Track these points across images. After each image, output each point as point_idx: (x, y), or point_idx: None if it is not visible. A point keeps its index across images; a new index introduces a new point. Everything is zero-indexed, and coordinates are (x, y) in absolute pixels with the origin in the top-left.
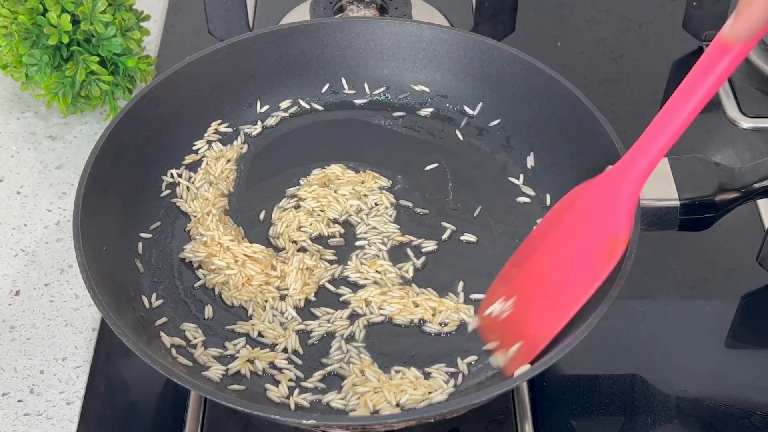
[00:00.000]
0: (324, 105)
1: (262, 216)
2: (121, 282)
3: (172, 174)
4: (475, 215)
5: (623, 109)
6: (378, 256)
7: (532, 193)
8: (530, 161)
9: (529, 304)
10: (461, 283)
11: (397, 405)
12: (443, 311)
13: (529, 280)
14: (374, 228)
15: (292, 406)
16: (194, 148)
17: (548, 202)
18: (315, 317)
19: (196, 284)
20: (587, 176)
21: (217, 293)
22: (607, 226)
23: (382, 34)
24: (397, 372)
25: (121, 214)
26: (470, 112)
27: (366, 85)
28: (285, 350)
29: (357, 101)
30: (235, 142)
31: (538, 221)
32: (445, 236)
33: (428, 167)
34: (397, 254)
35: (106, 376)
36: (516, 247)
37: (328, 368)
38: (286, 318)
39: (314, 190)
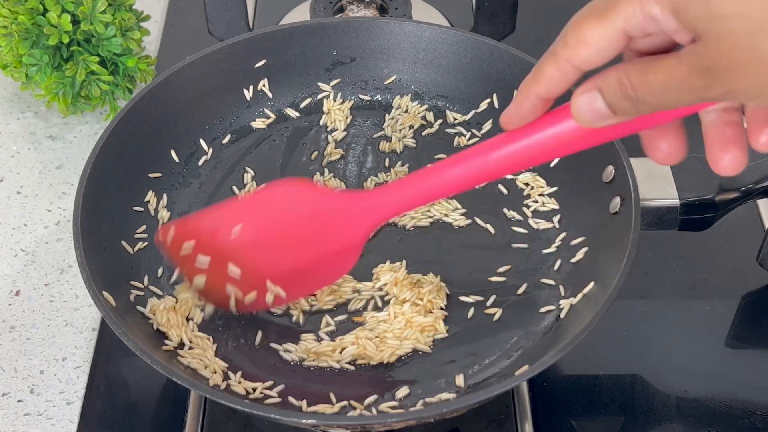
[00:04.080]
0: (323, 105)
1: None
2: (122, 282)
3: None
4: (475, 215)
5: None
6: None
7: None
8: None
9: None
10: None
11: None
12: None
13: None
14: None
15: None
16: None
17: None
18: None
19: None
20: (587, 176)
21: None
22: (347, 244)
23: (382, 34)
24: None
25: (121, 214)
26: (470, 112)
27: (366, 85)
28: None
29: (357, 101)
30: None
31: (538, 221)
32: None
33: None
34: (396, 254)
35: (106, 376)
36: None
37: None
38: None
39: None
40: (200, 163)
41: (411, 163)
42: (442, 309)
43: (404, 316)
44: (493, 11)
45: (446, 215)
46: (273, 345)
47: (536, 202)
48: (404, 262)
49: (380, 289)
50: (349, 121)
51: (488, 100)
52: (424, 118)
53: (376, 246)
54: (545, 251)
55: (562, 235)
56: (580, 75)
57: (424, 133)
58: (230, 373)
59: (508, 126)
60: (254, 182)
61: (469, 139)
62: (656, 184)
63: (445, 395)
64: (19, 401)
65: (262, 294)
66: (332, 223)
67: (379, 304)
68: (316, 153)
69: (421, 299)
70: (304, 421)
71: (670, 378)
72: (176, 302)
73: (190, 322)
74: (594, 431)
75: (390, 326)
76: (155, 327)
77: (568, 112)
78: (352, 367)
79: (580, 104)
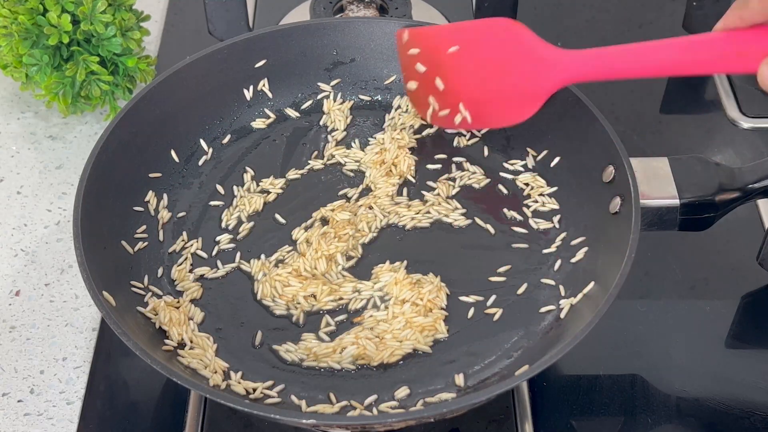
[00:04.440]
0: (323, 105)
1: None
2: (122, 282)
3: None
4: (475, 215)
5: (623, 109)
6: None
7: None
8: (530, 161)
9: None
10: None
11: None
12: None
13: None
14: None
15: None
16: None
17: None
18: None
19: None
20: (587, 176)
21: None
22: (534, 91)
23: (382, 34)
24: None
25: (121, 213)
26: None
27: (366, 86)
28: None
29: (357, 101)
30: (185, 294)
31: (538, 221)
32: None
33: (429, 166)
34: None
35: (106, 376)
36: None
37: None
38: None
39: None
40: (200, 163)
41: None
42: (442, 309)
43: (404, 316)
44: (493, 11)
45: (446, 215)
46: (273, 345)
47: (536, 202)
48: (404, 262)
49: (380, 289)
50: (349, 121)
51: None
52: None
53: (376, 246)
54: (545, 251)
55: (562, 235)
56: None
57: (424, 133)
58: (230, 373)
59: (716, 28)
60: (254, 182)
61: (469, 139)
62: (656, 184)
63: (445, 395)
64: (19, 401)
65: (453, 113)
66: (529, 68)
67: (379, 304)
68: (316, 153)
69: (421, 299)
70: (304, 421)
71: (670, 378)
72: (178, 302)
73: (191, 321)
74: (594, 431)
75: (390, 326)
76: (157, 325)
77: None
78: (352, 367)
79: (764, 72)
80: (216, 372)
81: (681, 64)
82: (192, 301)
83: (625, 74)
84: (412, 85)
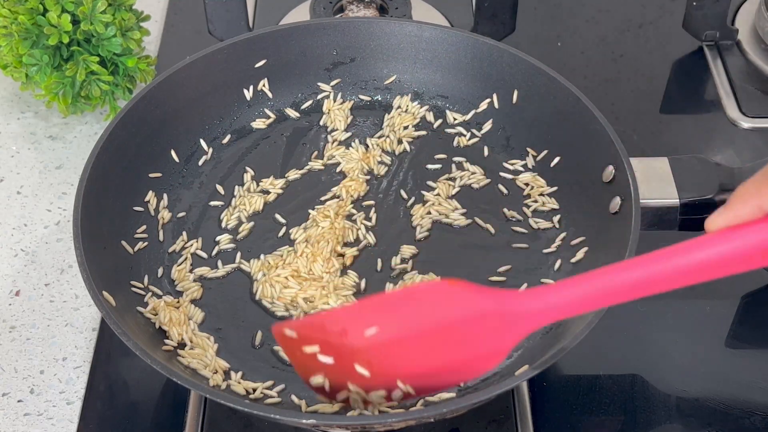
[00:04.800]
0: (323, 105)
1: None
2: (122, 282)
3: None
4: (475, 215)
5: (623, 109)
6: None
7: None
8: (530, 161)
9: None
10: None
11: None
12: None
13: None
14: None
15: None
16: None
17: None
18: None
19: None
20: (587, 176)
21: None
22: (493, 348)
23: (382, 34)
24: None
25: (121, 213)
26: (470, 112)
27: (366, 86)
28: None
29: (357, 101)
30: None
31: (538, 221)
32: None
33: (429, 166)
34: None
35: (106, 376)
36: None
37: None
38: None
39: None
40: (200, 163)
41: (411, 162)
42: None
43: None
44: (493, 11)
45: (446, 215)
46: (273, 345)
47: (536, 202)
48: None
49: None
50: (349, 121)
51: (488, 100)
52: (423, 118)
53: (376, 246)
54: (545, 251)
55: (562, 235)
56: None
57: (423, 133)
58: (230, 373)
59: (714, 227)
60: (254, 182)
61: (469, 139)
62: (656, 184)
63: (445, 395)
64: (19, 401)
65: (389, 391)
66: (479, 328)
67: None
68: (316, 153)
69: None
70: (304, 421)
71: (670, 378)
72: (177, 301)
73: (191, 321)
74: (594, 431)
75: None
76: (157, 325)
77: None
78: None
79: None
80: (216, 372)
81: (696, 272)
82: (192, 301)
83: (622, 299)
84: (317, 379)
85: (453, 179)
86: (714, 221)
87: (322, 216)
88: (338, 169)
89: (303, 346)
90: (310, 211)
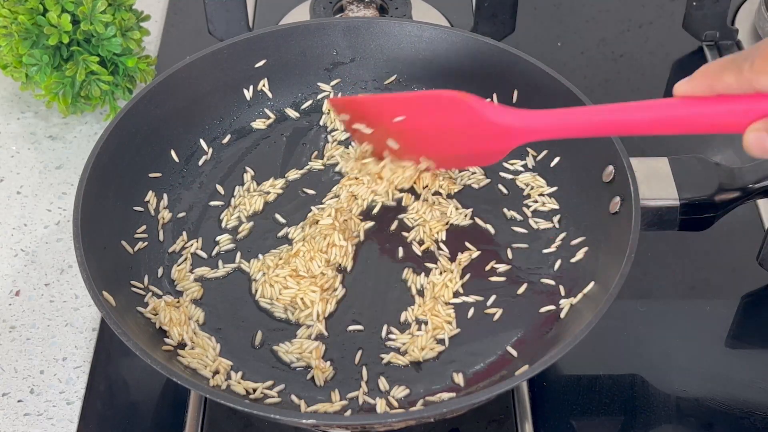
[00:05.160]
0: (323, 105)
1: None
2: (122, 282)
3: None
4: (475, 215)
5: None
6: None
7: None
8: (530, 161)
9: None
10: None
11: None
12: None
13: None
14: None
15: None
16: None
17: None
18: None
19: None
20: (587, 176)
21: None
22: (494, 148)
23: (382, 34)
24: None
25: (121, 213)
26: None
27: (366, 86)
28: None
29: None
30: (186, 294)
31: (538, 221)
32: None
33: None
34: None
35: (106, 376)
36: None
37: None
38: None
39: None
40: (200, 163)
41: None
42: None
43: None
44: (493, 11)
45: (446, 215)
46: (273, 345)
47: (536, 202)
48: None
49: None
50: None
51: (488, 100)
52: None
53: (375, 246)
54: (545, 251)
55: (562, 235)
56: (753, 92)
57: None
58: (230, 373)
59: (678, 92)
60: (254, 182)
61: None
62: (656, 184)
63: (445, 395)
64: (19, 401)
65: (415, 161)
66: (483, 135)
67: None
68: (316, 153)
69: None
70: (304, 421)
71: (670, 378)
72: (178, 301)
73: (192, 321)
74: (594, 431)
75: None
76: (157, 326)
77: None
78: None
79: (750, 139)
80: (218, 372)
81: (653, 124)
82: (192, 301)
83: (591, 134)
84: (365, 147)
85: (453, 179)
86: (679, 87)
87: (322, 216)
88: (336, 169)
89: (353, 120)
90: (313, 208)
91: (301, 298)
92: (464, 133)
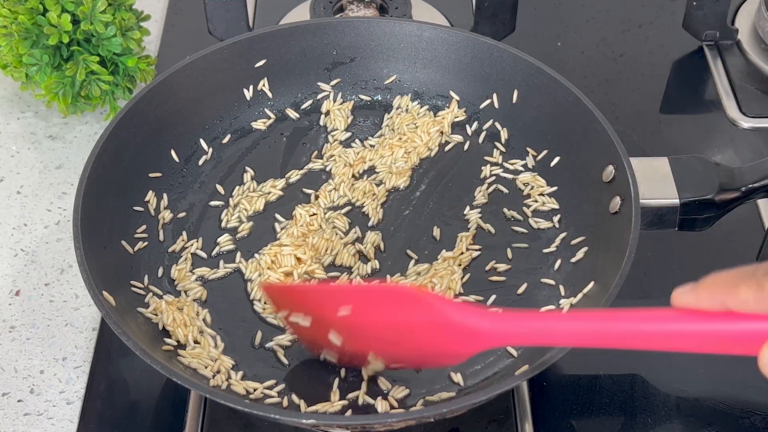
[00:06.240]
0: (323, 105)
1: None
2: (122, 282)
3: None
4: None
5: (623, 109)
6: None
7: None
8: (530, 161)
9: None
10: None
11: None
12: None
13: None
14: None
15: None
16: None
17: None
18: None
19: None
20: (587, 176)
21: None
22: (454, 352)
23: (382, 34)
24: None
25: (121, 213)
26: (470, 112)
27: (366, 85)
28: None
29: (357, 101)
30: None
31: (538, 221)
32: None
33: None
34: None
35: (106, 376)
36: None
37: None
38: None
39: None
40: (200, 163)
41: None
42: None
43: None
44: (493, 11)
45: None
46: (273, 345)
47: (536, 201)
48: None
49: None
50: (349, 121)
51: (488, 100)
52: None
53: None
54: (545, 251)
55: (562, 235)
56: None
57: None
58: (231, 373)
59: (678, 302)
60: (254, 182)
61: (469, 139)
62: (656, 184)
63: (445, 395)
64: (19, 401)
65: (362, 362)
66: (445, 334)
67: None
68: (316, 153)
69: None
70: (304, 421)
71: (670, 378)
72: (179, 301)
73: (196, 321)
74: (594, 431)
75: None
76: (160, 326)
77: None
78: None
79: (766, 357)
80: (219, 372)
81: (649, 338)
82: (194, 301)
83: (571, 344)
84: (300, 330)
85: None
86: (680, 296)
87: (308, 214)
88: (327, 169)
89: (287, 310)
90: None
91: None
92: (422, 333)
